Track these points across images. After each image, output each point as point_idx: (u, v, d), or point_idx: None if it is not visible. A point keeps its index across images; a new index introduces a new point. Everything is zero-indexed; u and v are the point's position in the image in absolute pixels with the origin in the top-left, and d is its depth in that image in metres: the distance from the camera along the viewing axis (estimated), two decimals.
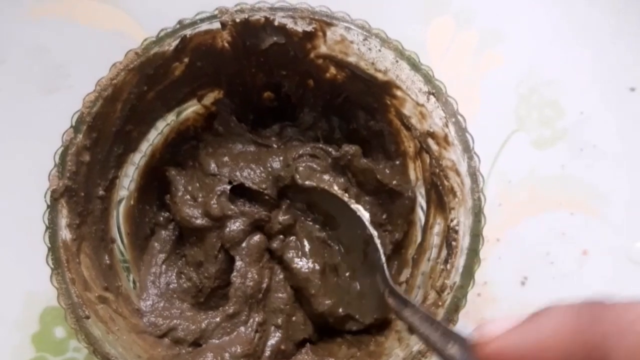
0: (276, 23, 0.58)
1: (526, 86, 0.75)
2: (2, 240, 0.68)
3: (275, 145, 0.66)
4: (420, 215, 0.63)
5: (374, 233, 0.58)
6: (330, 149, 0.64)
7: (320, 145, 0.64)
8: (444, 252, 0.56)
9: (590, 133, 0.74)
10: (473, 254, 0.53)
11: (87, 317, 0.51)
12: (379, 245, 0.57)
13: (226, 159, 0.64)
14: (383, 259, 0.57)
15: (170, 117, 0.64)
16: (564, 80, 0.75)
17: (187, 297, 0.63)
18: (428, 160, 0.59)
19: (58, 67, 0.73)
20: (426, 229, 0.61)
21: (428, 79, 0.56)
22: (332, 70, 0.61)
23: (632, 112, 0.74)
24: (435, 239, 0.59)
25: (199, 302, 0.63)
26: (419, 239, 0.63)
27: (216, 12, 0.57)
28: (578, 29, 0.77)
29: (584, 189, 0.72)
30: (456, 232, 0.55)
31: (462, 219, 0.55)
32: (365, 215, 0.58)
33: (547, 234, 0.71)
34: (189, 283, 0.64)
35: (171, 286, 0.64)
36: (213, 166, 0.64)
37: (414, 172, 0.63)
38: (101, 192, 0.58)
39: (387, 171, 0.64)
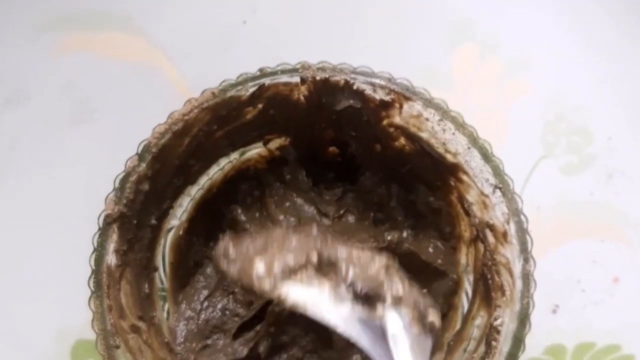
0: (355, 87, 0.57)
1: (553, 112, 0.74)
2: (34, 274, 0.69)
3: (329, 216, 0.66)
4: (464, 302, 0.62)
5: None
6: (373, 243, 0.63)
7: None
8: (482, 349, 0.55)
9: (619, 159, 0.73)
10: (511, 359, 0.52)
11: (117, 347, 0.51)
12: None
13: (292, 211, 0.65)
14: None
15: (234, 156, 0.64)
16: (591, 106, 0.75)
17: (227, 335, 0.63)
18: (482, 250, 0.58)
19: (84, 101, 0.73)
20: (467, 318, 0.60)
21: (497, 172, 0.55)
22: (402, 140, 0.61)
23: None
24: (475, 331, 0.58)
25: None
26: (458, 326, 0.61)
27: (298, 67, 0.57)
28: (604, 54, 0.76)
29: (613, 216, 0.71)
30: (498, 332, 0.53)
31: (506, 320, 0.53)
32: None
33: (578, 261, 0.70)
34: (235, 319, 0.63)
35: (211, 322, 0.63)
36: (282, 217, 0.65)
37: (466, 257, 0.62)
38: (153, 221, 0.58)
39: (431, 250, 0.64)
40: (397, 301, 0.50)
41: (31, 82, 0.74)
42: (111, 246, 0.53)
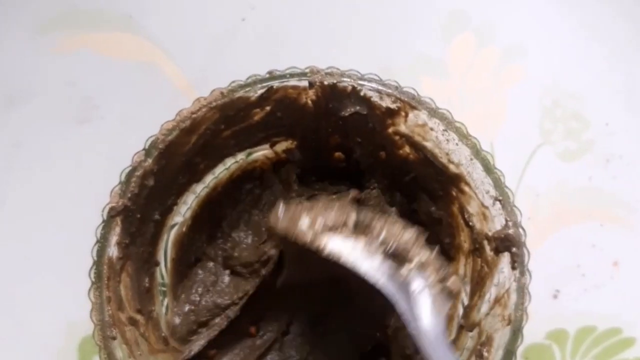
0: (362, 94, 0.58)
1: (550, 99, 0.75)
2: (43, 270, 0.69)
3: None
4: (460, 312, 0.62)
5: None
6: None
7: None
8: None
9: (616, 144, 0.74)
10: None
11: (114, 338, 0.52)
12: None
13: None
14: None
15: (240, 156, 0.65)
16: (588, 91, 0.75)
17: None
18: (480, 262, 0.58)
19: (88, 99, 0.74)
20: (462, 328, 0.60)
21: (498, 184, 0.55)
22: (407, 149, 0.61)
23: None
24: (469, 341, 0.58)
25: None
26: (453, 336, 0.61)
27: (307, 71, 0.58)
28: (599, 40, 0.77)
29: (612, 200, 0.72)
30: (490, 343, 0.54)
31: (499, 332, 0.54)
32: None
33: (577, 246, 0.71)
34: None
35: (206, 317, 0.64)
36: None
37: (464, 267, 0.62)
38: (157, 217, 0.59)
39: None
40: (422, 266, 0.52)
41: (34, 81, 0.75)
42: (114, 239, 0.54)
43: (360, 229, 0.53)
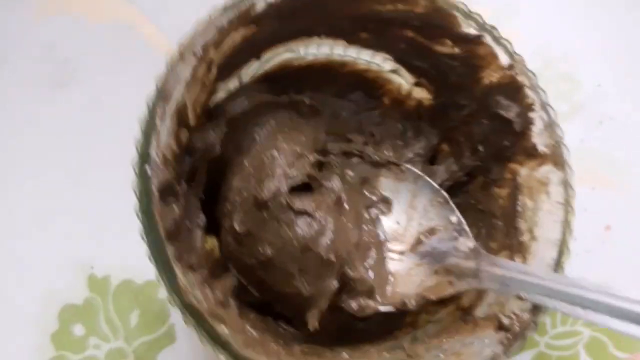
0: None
1: (540, 60, 0.72)
2: (19, 237, 0.65)
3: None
4: None
5: None
6: None
7: None
8: None
9: (608, 105, 0.72)
10: None
11: None
12: None
13: None
14: None
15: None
16: (579, 52, 0.73)
17: None
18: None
19: (65, 63, 0.70)
20: None
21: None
22: (503, 191, 0.58)
23: None
24: None
25: None
26: None
27: None
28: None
29: (604, 163, 0.70)
30: None
31: None
32: None
33: None
34: None
35: None
36: None
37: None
38: None
39: None
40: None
41: (8, 45, 0.70)
42: None
43: None
